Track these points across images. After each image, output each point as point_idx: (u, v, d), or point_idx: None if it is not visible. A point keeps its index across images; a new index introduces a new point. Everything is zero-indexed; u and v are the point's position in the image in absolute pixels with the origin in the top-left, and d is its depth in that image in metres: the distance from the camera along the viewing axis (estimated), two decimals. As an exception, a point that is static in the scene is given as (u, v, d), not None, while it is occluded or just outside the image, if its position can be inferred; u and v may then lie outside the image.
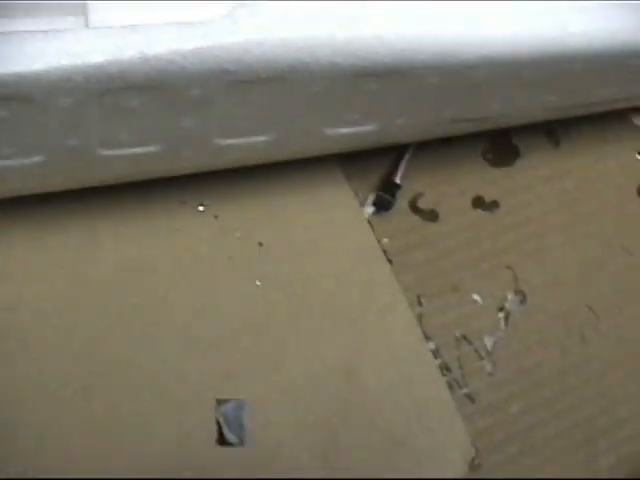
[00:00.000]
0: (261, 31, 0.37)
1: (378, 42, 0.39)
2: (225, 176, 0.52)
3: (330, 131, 0.46)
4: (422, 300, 0.53)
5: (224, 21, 0.37)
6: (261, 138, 0.44)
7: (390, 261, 0.53)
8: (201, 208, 0.53)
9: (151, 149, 0.42)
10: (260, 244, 0.52)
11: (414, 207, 0.56)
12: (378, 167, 0.57)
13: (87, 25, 0.37)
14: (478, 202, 0.57)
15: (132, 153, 0.42)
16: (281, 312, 0.50)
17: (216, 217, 0.53)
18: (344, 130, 0.46)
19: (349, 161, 0.55)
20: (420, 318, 0.52)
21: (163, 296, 0.49)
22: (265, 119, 0.43)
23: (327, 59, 0.38)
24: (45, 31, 0.36)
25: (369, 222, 0.54)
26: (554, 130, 0.62)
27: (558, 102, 0.50)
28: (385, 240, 0.54)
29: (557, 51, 0.45)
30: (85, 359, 0.46)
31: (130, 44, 0.35)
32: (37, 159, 0.41)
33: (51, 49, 0.35)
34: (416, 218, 0.56)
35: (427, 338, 0.52)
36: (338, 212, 0.54)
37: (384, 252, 0.54)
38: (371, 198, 0.55)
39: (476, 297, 0.54)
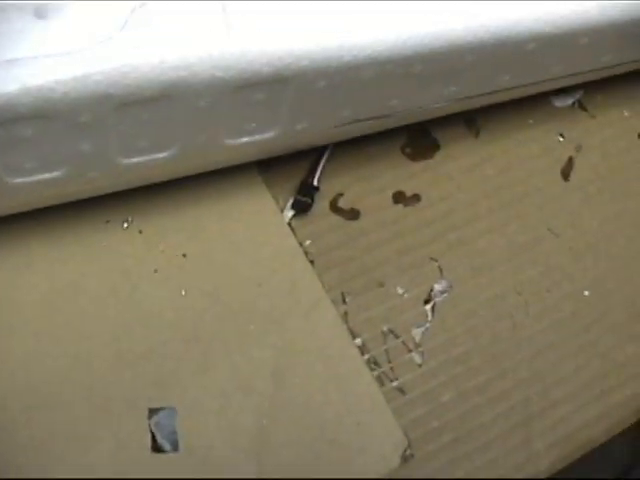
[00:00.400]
0: (138, 54, 0.43)
1: (257, 52, 0.44)
2: (147, 191, 0.58)
3: (231, 142, 0.52)
4: (347, 298, 0.59)
5: (102, 47, 0.42)
6: (163, 154, 0.50)
7: (312, 262, 0.59)
8: (125, 225, 0.59)
9: (57, 174, 0.48)
10: (184, 255, 0.58)
11: (335, 207, 0.62)
12: (297, 171, 0.63)
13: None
14: (399, 197, 0.63)
15: (38, 179, 0.47)
16: (207, 320, 0.56)
17: (140, 232, 0.59)
18: (245, 139, 0.52)
19: (268, 167, 0.61)
20: (346, 316, 0.58)
21: (93, 313, 0.56)
22: (162, 136, 0.48)
23: (207, 74, 0.44)
24: None
25: (290, 226, 0.60)
26: (473, 119, 0.68)
27: (460, 93, 0.56)
28: (307, 242, 0.60)
29: (445, 45, 0.50)
30: (21, 378, 0.52)
31: (12, 77, 0.41)
32: None
33: None
34: (337, 218, 0.62)
35: (354, 335, 0.58)
36: (258, 218, 0.60)
37: (306, 254, 0.60)
38: (290, 202, 0.60)
39: (401, 290, 0.60)
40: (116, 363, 0.54)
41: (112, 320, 0.56)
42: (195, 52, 0.44)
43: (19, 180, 0.48)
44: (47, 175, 0.48)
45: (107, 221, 0.59)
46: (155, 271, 0.58)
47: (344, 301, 0.59)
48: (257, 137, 0.53)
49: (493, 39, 0.52)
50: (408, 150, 0.66)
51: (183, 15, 0.45)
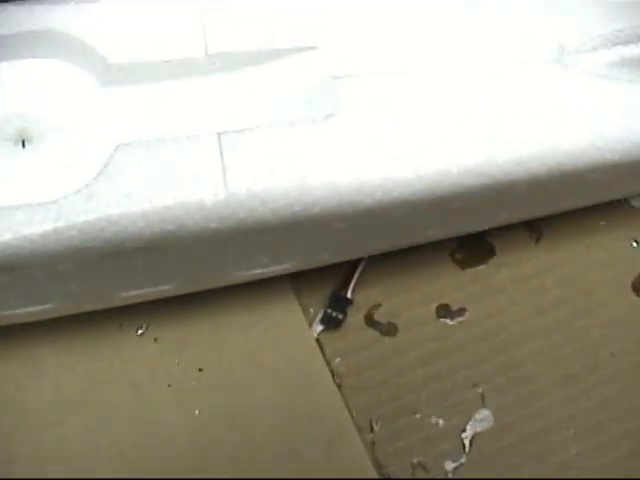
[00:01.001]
0: (118, 204, 0.45)
1: (254, 203, 0.46)
2: (165, 299, 0.60)
3: (243, 273, 0.54)
4: (375, 425, 0.61)
5: (77, 197, 0.45)
6: (165, 287, 0.53)
7: (339, 385, 0.61)
8: (140, 331, 0.61)
9: (47, 307, 0.52)
10: (200, 370, 0.61)
11: (370, 320, 0.63)
12: (330, 278, 0.64)
13: None
14: (443, 310, 0.64)
15: (28, 310, 0.53)
16: (220, 445, 0.59)
17: (156, 340, 0.61)
18: (258, 271, 0.54)
19: (299, 274, 0.62)
20: (373, 445, 0.60)
21: (100, 428, 0.60)
22: (160, 273, 0.51)
23: (198, 227, 0.46)
24: None
25: (318, 341, 0.62)
26: (535, 223, 0.68)
27: (510, 218, 0.57)
28: (336, 360, 0.62)
29: (491, 179, 0.51)
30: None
31: None
32: None
33: None
34: (372, 332, 0.63)
35: (379, 467, 0.59)
36: (284, 332, 0.62)
37: (333, 374, 0.61)
38: (320, 315, 0.62)
39: (436, 419, 0.62)
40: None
41: (120, 437, 0.59)
42: (184, 202, 0.45)
43: (7, 312, 0.50)
44: (36, 308, 0.51)
45: (120, 325, 0.62)
46: (169, 386, 0.61)
47: (372, 429, 0.61)
48: (271, 268, 0.54)
49: (547, 171, 0.52)
50: (458, 256, 0.67)
51: (170, 160, 0.47)
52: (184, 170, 0.46)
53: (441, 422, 0.62)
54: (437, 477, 0.61)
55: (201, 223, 0.47)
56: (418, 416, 0.62)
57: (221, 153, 0.47)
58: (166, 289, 0.54)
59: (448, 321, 0.65)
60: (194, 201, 0.46)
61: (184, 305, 0.63)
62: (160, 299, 0.61)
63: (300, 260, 0.56)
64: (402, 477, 0.60)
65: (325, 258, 0.58)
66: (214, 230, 0.47)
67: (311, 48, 0.50)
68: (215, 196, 0.46)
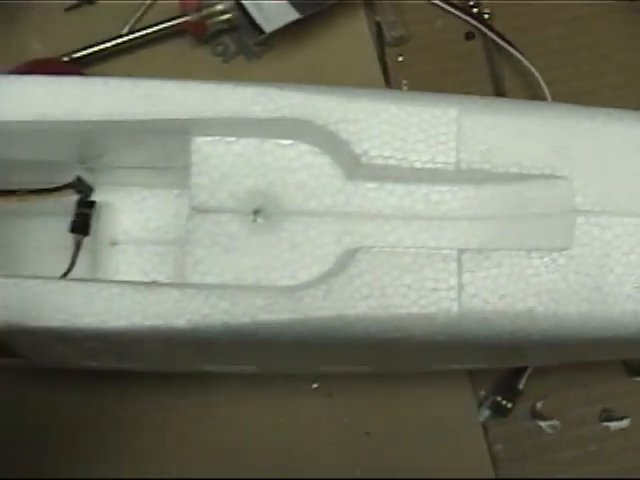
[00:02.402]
0: (353, 306, 0.47)
1: (484, 324, 0.48)
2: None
3: (439, 366, 0.55)
4: None
5: (316, 292, 0.47)
6: (364, 368, 0.59)
7: (496, 469, 0.62)
8: (315, 385, 0.63)
9: (249, 367, 0.58)
10: (367, 433, 0.62)
11: (534, 412, 0.64)
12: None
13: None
14: (607, 415, 0.65)
15: (228, 369, 0.58)
16: None
17: (329, 396, 0.63)
18: (455, 366, 0.55)
19: None
20: (520, 537, 0.61)
21: (265, 468, 0.63)
22: (365, 360, 0.57)
23: (427, 338, 0.49)
24: (133, 285, 0.48)
25: (484, 425, 0.63)
26: None
27: None
28: (498, 446, 0.63)
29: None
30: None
31: (214, 312, 0.47)
32: (130, 364, 0.58)
33: (136, 308, 0.47)
34: (535, 424, 0.64)
35: None
36: (452, 411, 0.64)
37: (493, 460, 0.62)
38: (489, 401, 0.63)
39: (585, 521, 0.62)
40: None
41: None
42: (418, 315, 0.48)
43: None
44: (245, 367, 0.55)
45: (297, 376, 0.63)
46: (334, 444, 0.63)
47: None
48: (467, 366, 0.57)
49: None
50: (630, 364, 0.67)
51: (409, 269, 0.49)
52: (421, 282, 0.47)
53: (588, 523, 0.63)
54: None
55: (429, 336, 0.48)
56: (568, 512, 0.63)
57: (459, 271, 0.47)
58: (364, 369, 0.56)
59: (608, 425, 0.66)
60: (426, 314, 0.47)
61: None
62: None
63: (494, 363, 0.57)
64: None
65: (517, 363, 0.59)
66: (438, 342, 0.48)
67: (557, 177, 0.49)
68: (448, 313, 0.47)
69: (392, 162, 0.50)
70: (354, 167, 0.50)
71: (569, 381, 0.67)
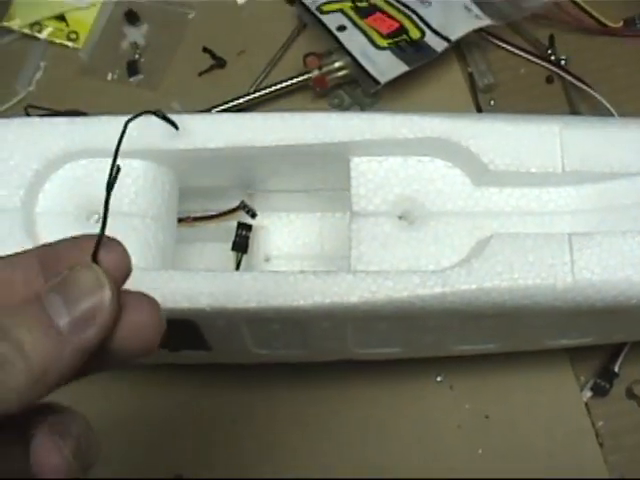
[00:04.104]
0: (490, 280, 0.64)
1: (592, 290, 0.65)
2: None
3: (550, 342, 0.74)
4: None
5: (460, 270, 0.65)
6: (489, 346, 0.74)
7: (601, 444, 0.79)
8: (439, 378, 0.81)
9: (394, 350, 0.74)
10: (486, 417, 0.80)
11: (630, 393, 0.81)
12: (601, 354, 0.82)
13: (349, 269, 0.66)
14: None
15: (377, 352, 0.74)
16: None
17: (451, 388, 0.81)
18: (565, 341, 0.74)
19: (576, 347, 0.81)
20: (623, 501, 0.78)
21: (395, 454, 0.80)
22: (493, 336, 0.72)
23: (548, 304, 0.66)
24: (314, 272, 0.65)
25: (586, 405, 0.81)
26: None
27: None
28: (600, 423, 0.80)
29: None
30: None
31: (381, 289, 0.64)
32: (299, 351, 0.75)
33: (317, 289, 0.65)
34: (631, 403, 0.81)
35: (626, 518, 0.77)
36: (559, 394, 0.81)
37: (597, 435, 0.80)
38: (590, 383, 0.81)
39: (681, 486, 0.79)
40: None
41: (415, 465, 0.79)
42: (541, 284, 0.65)
43: (362, 350, 0.73)
44: (386, 350, 0.73)
45: (424, 371, 0.81)
46: (458, 427, 0.80)
47: None
48: (576, 340, 0.75)
49: None
50: None
51: (531, 250, 0.66)
52: (542, 259, 0.65)
53: (685, 490, 0.79)
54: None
55: (550, 301, 0.65)
56: (663, 480, 0.80)
57: (571, 249, 0.66)
58: (491, 347, 0.74)
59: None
60: (548, 284, 0.65)
61: (478, 362, 0.82)
62: (460, 356, 0.80)
63: (598, 337, 0.75)
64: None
65: (618, 337, 0.77)
66: (557, 308, 0.66)
67: (640, 174, 0.68)
68: (564, 282, 0.65)
69: (512, 168, 0.68)
70: (480, 175, 0.69)
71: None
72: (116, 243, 0.42)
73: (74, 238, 0.42)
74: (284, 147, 0.69)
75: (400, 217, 0.69)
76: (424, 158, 0.70)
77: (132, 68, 0.96)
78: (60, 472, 0.38)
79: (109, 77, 0.96)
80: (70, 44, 0.98)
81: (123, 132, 0.46)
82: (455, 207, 0.69)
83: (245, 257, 0.78)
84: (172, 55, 0.96)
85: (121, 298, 0.40)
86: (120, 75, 0.96)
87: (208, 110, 0.88)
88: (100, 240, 0.41)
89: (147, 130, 0.68)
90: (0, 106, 0.94)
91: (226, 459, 0.80)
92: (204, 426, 0.81)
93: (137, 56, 0.96)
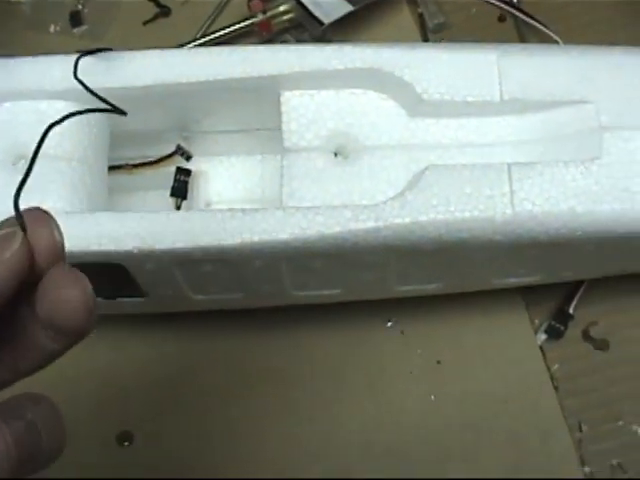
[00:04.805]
0: (425, 213, 0.62)
1: (533, 222, 0.63)
2: (414, 297, 0.77)
3: (498, 281, 0.71)
4: (583, 427, 0.76)
5: (394, 204, 0.62)
6: (432, 286, 0.71)
7: (556, 387, 0.77)
8: (389, 324, 0.79)
9: (334, 292, 0.71)
10: (438, 362, 0.78)
11: (586, 335, 0.79)
12: (556, 295, 0.80)
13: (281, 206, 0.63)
14: (652, 334, 0.79)
15: (317, 294, 0.71)
16: (450, 427, 0.75)
17: (402, 333, 0.78)
18: (512, 280, 0.71)
19: (530, 289, 0.79)
20: (579, 443, 0.75)
21: (345, 402, 0.77)
22: (435, 274, 0.69)
23: (487, 237, 0.63)
24: (242, 210, 0.63)
25: (541, 348, 0.78)
26: None
27: None
28: (555, 366, 0.78)
29: None
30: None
31: (312, 225, 0.61)
32: (237, 295, 0.71)
33: (246, 226, 0.62)
34: (587, 346, 0.79)
35: (583, 463, 0.75)
36: (513, 337, 0.79)
37: (552, 378, 0.77)
38: (545, 326, 0.78)
39: (637, 428, 0.76)
40: (362, 453, 0.74)
41: (361, 412, 0.77)
42: (479, 217, 0.62)
43: (300, 293, 0.71)
44: (324, 292, 0.72)
45: (373, 315, 0.79)
46: (410, 372, 0.77)
47: (580, 429, 0.76)
48: (523, 279, 0.71)
49: None
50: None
51: (468, 181, 0.64)
52: (480, 190, 0.63)
53: (640, 431, 0.77)
54: (634, 477, 0.75)
55: (489, 235, 0.63)
56: (621, 423, 0.77)
57: (510, 180, 0.63)
58: (435, 287, 0.71)
59: (656, 344, 0.80)
60: (486, 216, 0.62)
61: (429, 306, 0.79)
62: (410, 300, 0.78)
63: (546, 275, 0.72)
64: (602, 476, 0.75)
65: (566, 275, 0.74)
66: (497, 242, 0.63)
67: (584, 102, 0.65)
68: (503, 214, 0.62)
69: (447, 97, 0.65)
70: (416, 105, 0.66)
71: (617, 307, 0.81)
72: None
73: None
74: (213, 82, 0.66)
75: (334, 152, 0.65)
76: (357, 90, 0.67)
77: (75, 19, 0.93)
78: None
79: (52, 29, 0.93)
80: (12, -4, 0.94)
81: (45, 134, 0.44)
82: (390, 140, 0.66)
83: (185, 203, 0.75)
84: (116, 5, 0.93)
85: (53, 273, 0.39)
86: (63, 27, 0.93)
87: (152, 59, 0.84)
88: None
89: (71, 70, 0.65)
90: (-60, 61, 0.90)
91: (173, 417, 0.78)
92: (147, 383, 0.77)
93: (80, 6, 0.93)
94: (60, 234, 0.40)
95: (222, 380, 0.78)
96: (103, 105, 0.61)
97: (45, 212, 0.40)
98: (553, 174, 0.63)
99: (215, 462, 0.75)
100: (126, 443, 0.76)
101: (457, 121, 0.66)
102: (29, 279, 0.39)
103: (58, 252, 0.39)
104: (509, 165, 0.63)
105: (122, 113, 0.58)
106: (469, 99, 0.65)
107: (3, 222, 0.39)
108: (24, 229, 0.39)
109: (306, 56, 0.65)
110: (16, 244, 0.38)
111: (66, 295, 0.38)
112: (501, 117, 0.66)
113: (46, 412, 0.40)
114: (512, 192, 0.62)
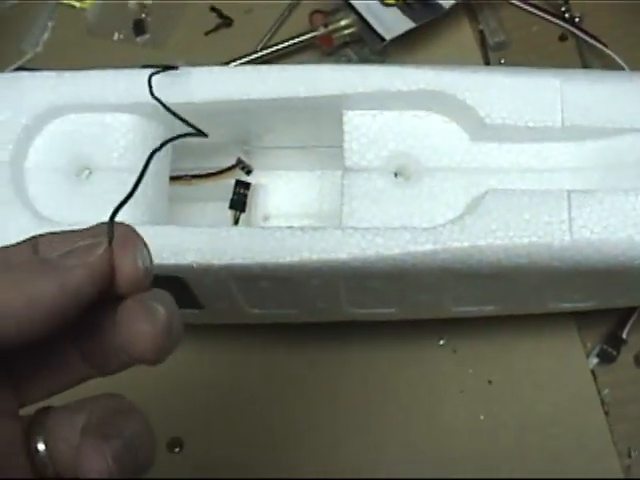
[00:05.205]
0: (484, 237, 0.62)
1: (591, 249, 0.63)
2: (467, 317, 0.77)
3: (552, 305, 0.71)
4: (632, 453, 0.76)
5: (453, 227, 0.62)
6: (488, 307, 0.72)
7: (607, 412, 0.76)
8: (441, 342, 0.79)
9: (389, 310, 0.71)
10: (489, 382, 0.78)
11: (638, 361, 0.78)
12: (609, 320, 0.80)
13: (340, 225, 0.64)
14: None
15: (373, 312, 0.72)
16: (498, 447, 0.75)
17: (454, 351, 0.78)
18: (567, 305, 0.71)
19: (583, 312, 0.78)
20: (628, 469, 0.75)
21: (396, 418, 0.78)
22: (491, 297, 0.70)
23: (545, 263, 0.63)
24: (301, 228, 0.63)
25: (592, 372, 0.78)
26: None
27: None
28: (606, 391, 0.78)
29: None
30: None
31: (371, 246, 0.62)
32: (293, 311, 0.72)
33: (305, 245, 0.62)
34: (639, 371, 0.78)
35: (632, 490, 0.75)
36: (565, 360, 0.78)
37: (602, 403, 0.77)
38: (597, 349, 0.78)
39: (688, 457, 0.76)
40: (412, 471, 0.75)
41: (415, 430, 0.76)
42: (537, 242, 0.62)
43: (356, 310, 0.71)
44: (380, 310, 0.72)
45: (425, 334, 0.79)
46: (461, 392, 0.77)
47: (629, 455, 0.76)
48: (576, 304, 0.72)
49: None
50: None
51: (527, 207, 0.64)
52: (539, 217, 0.63)
53: (691, 460, 0.76)
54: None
55: (546, 261, 0.63)
56: (670, 450, 0.77)
57: (569, 207, 0.63)
58: (490, 309, 0.71)
59: None
60: (544, 243, 0.62)
61: (482, 326, 0.79)
62: (464, 319, 0.78)
63: (600, 301, 0.72)
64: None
65: (621, 302, 0.74)
66: (555, 268, 0.63)
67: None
68: (561, 241, 0.62)
69: (509, 122, 0.65)
70: (478, 129, 0.66)
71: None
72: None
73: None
74: (277, 100, 0.67)
75: (394, 173, 0.66)
76: (420, 112, 0.67)
77: (139, 27, 0.94)
78: (101, 473, 0.38)
79: (115, 37, 0.94)
80: (77, 4, 0.96)
81: (149, 160, 0.47)
82: (451, 163, 0.67)
83: (244, 216, 0.76)
84: (179, 14, 0.94)
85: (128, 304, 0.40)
86: (127, 35, 0.94)
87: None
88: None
89: (137, 84, 0.67)
90: (8, 67, 0.92)
91: (223, 424, 0.79)
92: (199, 390, 0.78)
93: (144, 15, 0.95)
94: (146, 258, 0.41)
95: (273, 391, 0.80)
96: (181, 124, 0.62)
97: (136, 234, 0.42)
98: (612, 202, 0.62)
99: (263, 472, 0.76)
100: (177, 449, 0.76)
101: (518, 146, 0.66)
102: (112, 293, 0.40)
103: (140, 278, 0.41)
104: (569, 192, 0.63)
105: (204, 135, 0.59)
106: (530, 124, 0.65)
107: (91, 228, 0.42)
108: (110, 240, 0.41)
109: (369, 76, 0.66)
110: (100, 250, 0.40)
111: (136, 330, 0.39)
112: (562, 143, 0.66)
113: (139, 427, 0.41)
114: (571, 219, 0.62)
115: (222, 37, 0.94)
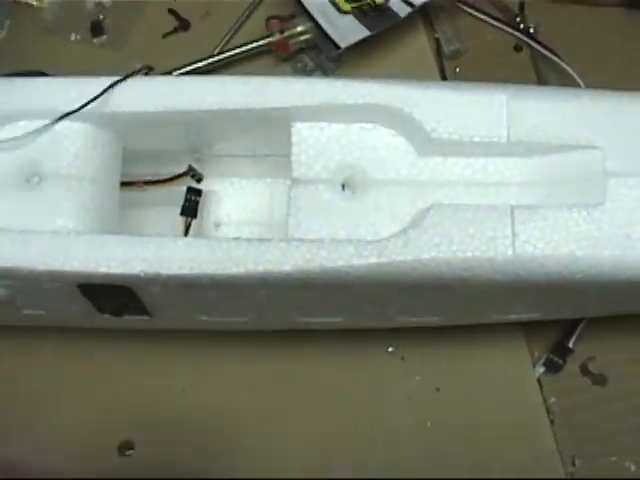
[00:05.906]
0: (427, 251, 0.63)
1: (534, 264, 0.64)
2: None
3: (497, 317, 0.71)
4: (577, 460, 0.77)
5: (397, 241, 0.63)
6: (433, 319, 0.72)
7: (552, 421, 0.78)
8: (390, 349, 0.80)
9: (335, 319, 0.72)
10: (437, 389, 0.79)
11: (585, 370, 0.80)
12: (556, 329, 0.81)
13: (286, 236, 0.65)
14: (649, 372, 0.80)
15: (320, 321, 0.73)
16: (445, 453, 0.76)
17: (403, 359, 0.79)
18: (512, 316, 0.72)
19: (531, 322, 0.79)
20: (571, 476, 0.76)
21: (343, 424, 0.79)
22: (436, 308, 0.71)
23: (487, 277, 0.64)
24: (248, 240, 0.64)
25: (539, 381, 0.79)
26: None
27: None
28: (552, 399, 0.79)
29: None
30: None
31: (315, 258, 0.63)
32: (242, 319, 0.73)
33: (251, 257, 0.63)
34: (585, 380, 0.80)
35: (575, 497, 0.76)
36: (512, 368, 0.80)
37: (548, 411, 0.78)
38: (543, 359, 0.79)
39: (630, 465, 0.77)
40: (355, 470, 0.76)
41: (363, 435, 0.78)
42: (480, 257, 0.63)
43: (305, 319, 0.74)
44: (327, 319, 0.74)
45: (375, 341, 0.80)
46: (408, 398, 0.78)
47: (573, 464, 0.77)
48: (522, 315, 0.73)
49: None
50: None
51: (471, 222, 0.64)
52: (483, 232, 0.63)
53: (633, 467, 0.78)
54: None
55: (489, 274, 0.63)
56: (614, 459, 0.78)
57: (512, 222, 0.64)
58: (436, 320, 0.72)
59: (653, 381, 0.81)
60: (487, 257, 0.63)
61: (431, 334, 0.80)
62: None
63: (545, 312, 0.73)
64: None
65: (565, 314, 0.75)
66: (497, 282, 0.64)
67: (591, 147, 0.66)
68: (504, 255, 0.63)
69: (455, 137, 0.66)
70: (424, 143, 0.67)
71: (616, 343, 0.81)
72: None
73: None
74: (226, 111, 0.67)
75: (342, 185, 0.66)
76: (367, 125, 0.68)
77: (96, 28, 0.94)
78: None
79: (72, 37, 0.94)
80: (35, 3, 0.95)
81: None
82: (398, 176, 0.67)
83: (195, 223, 0.76)
84: (137, 16, 0.94)
85: None
86: (84, 36, 0.94)
87: (169, 73, 0.85)
88: None
89: (87, 92, 0.68)
90: (-39, 66, 0.91)
91: (172, 426, 0.79)
92: (150, 395, 0.79)
93: (102, 16, 0.94)
94: None
95: (223, 398, 0.81)
96: (131, 133, 0.65)
97: None
98: (556, 218, 0.63)
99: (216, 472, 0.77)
100: (128, 452, 0.76)
101: (464, 160, 0.67)
102: None
103: None
104: (512, 208, 0.64)
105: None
106: (476, 139, 0.66)
107: None
108: None
109: (317, 89, 0.66)
110: None
111: None
112: (508, 158, 0.67)
113: None
114: (514, 234, 0.63)
115: (179, 40, 0.94)
